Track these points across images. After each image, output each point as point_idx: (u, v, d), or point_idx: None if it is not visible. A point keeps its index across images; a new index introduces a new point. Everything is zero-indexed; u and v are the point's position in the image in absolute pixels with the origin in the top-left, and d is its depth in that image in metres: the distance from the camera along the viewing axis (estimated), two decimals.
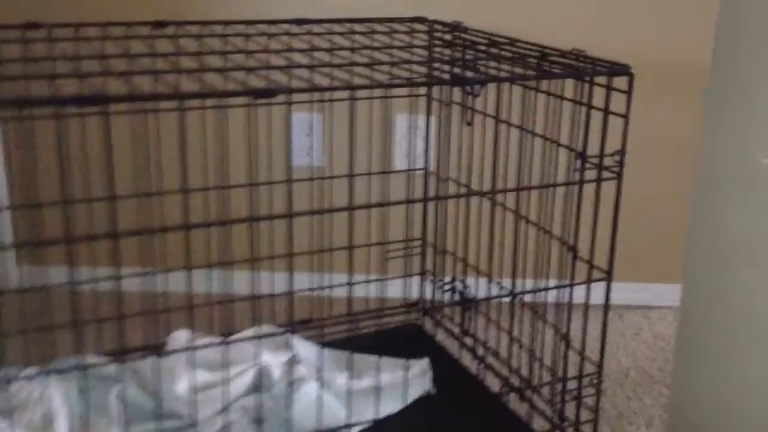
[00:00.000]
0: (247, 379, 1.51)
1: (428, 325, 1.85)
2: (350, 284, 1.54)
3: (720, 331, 1.25)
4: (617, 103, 1.24)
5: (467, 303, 1.74)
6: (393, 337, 1.81)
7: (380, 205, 1.71)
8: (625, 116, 1.23)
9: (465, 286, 1.74)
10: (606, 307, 1.35)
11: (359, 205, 1.35)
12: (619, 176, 1.25)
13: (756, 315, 1.16)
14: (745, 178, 1.15)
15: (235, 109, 1.29)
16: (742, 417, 1.20)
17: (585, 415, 1.43)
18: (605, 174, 1.25)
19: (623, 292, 2.29)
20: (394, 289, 1.83)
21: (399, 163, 2.11)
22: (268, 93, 1.06)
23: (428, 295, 1.87)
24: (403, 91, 1.77)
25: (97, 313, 1.53)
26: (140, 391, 1.49)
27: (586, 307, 1.33)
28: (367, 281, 1.80)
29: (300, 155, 2.14)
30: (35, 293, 1.50)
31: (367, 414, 1.48)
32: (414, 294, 1.87)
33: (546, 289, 1.39)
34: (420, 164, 1.83)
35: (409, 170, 1.83)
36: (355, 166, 1.61)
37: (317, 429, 1.44)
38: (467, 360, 1.70)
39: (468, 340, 1.73)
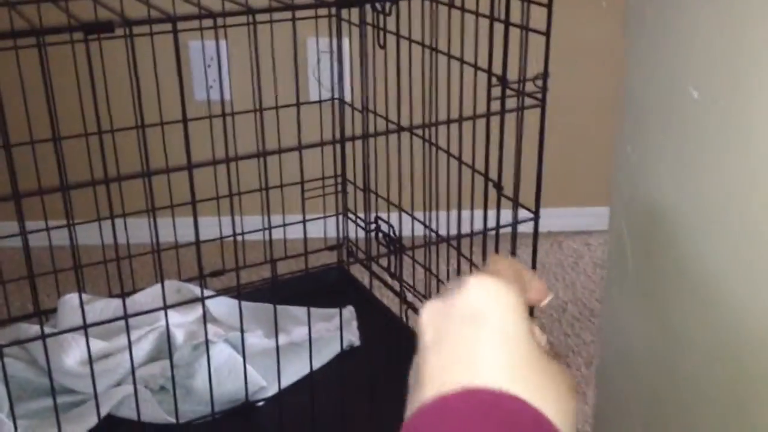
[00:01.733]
0: (147, 344, 1.36)
1: (352, 268, 1.72)
2: (267, 228, 1.39)
3: (645, 255, 1.13)
4: (538, 19, 1.08)
5: (393, 243, 1.61)
6: (315, 281, 1.67)
7: (293, 149, 1.55)
8: (546, 34, 1.07)
9: (389, 226, 1.61)
10: (534, 250, 1.22)
11: (270, 151, 1.19)
12: (542, 103, 1.10)
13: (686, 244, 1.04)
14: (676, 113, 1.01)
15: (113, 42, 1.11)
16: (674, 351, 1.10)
17: None
18: (528, 101, 1.10)
19: (562, 218, 2.19)
20: (315, 231, 1.68)
21: (313, 93, 1.94)
22: (104, 27, 0.88)
23: (351, 236, 1.73)
24: (310, 12, 1.59)
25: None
26: (29, 367, 1.35)
27: (513, 252, 1.20)
28: (284, 225, 1.66)
29: (200, 89, 1.95)
30: None
31: (286, 375, 1.35)
32: (334, 235, 1.74)
33: (471, 234, 1.25)
34: (332, 93, 1.66)
35: (321, 101, 1.66)
36: (264, 100, 1.44)
37: (231, 395, 1.32)
38: (392, 303, 1.58)
39: (394, 283, 1.60)
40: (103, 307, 1.47)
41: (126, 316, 1.16)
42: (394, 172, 1.52)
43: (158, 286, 1.50)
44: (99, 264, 1.53)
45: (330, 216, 1.72)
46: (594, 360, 1.62)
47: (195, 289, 1.52)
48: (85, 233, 1.49)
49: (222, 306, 1.51)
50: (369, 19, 1.52)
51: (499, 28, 1.12)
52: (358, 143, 1.61)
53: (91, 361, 1.16)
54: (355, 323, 1.50)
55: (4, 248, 1.40)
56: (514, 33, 1.12)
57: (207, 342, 1.27)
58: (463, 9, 1.18)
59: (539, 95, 1.09)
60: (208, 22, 1.04)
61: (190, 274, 1.56)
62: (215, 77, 1.93)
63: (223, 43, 1.87)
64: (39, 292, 1.13)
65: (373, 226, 1.65)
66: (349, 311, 1.51)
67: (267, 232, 1.25)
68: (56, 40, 1.31)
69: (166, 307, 1.19)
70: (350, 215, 1.72)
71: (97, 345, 1.35)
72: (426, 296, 1.54)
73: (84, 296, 1.46)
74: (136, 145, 1.19)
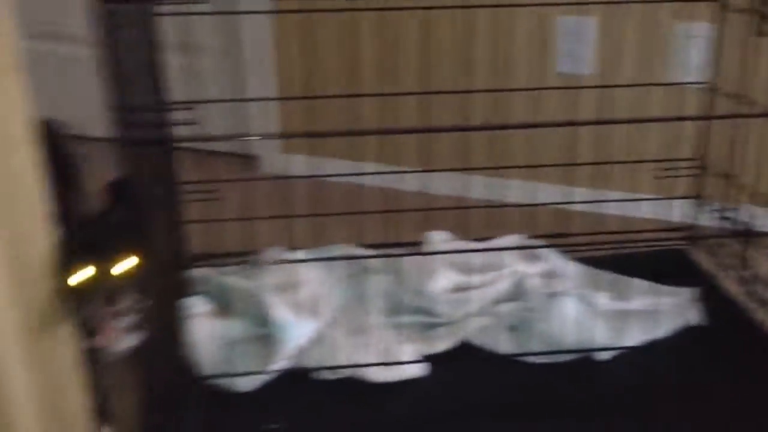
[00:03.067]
0: (505, 285, 1.49)
1: (695, 253, 1.72)
2: (601, 201, 1.46)
3: None
4: None
5: (743, 233, 1.60)
6: (655, 261, 1.70)
7: (657, 120, 1.59)
8: None
9: (743, 216, 1.59)
10: None
11: (640, 119, 1.24)
12: None
13: None
14: None
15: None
16: None
17: None
18: None
19: None
20: (656, 210, 1.71)
21: (673, 75, 1.95)
22: None
23: (698, 221, 1.74)
24: None
25: (356, 207, 1.57)
26: (399, 286, 1.52)
27: None
28: (625, 200, 1.70)
29: (565, 62, 2.03)
30: (289, 181, 1.55)
31: (628, 338, 1.41)
32: (679, 218, 1.75)
33: None
34: (697, 78, 1.66)
35: (688, 83, 1.68)
36: (624, 77, 1.49)
37: (576, 346, 1.40)
38: (738, 294, 1.57)
39: (744, 273, 1.59)
40: (462, 247, 1.62)
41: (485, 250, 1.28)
42: (753, 160, 1.50)
43: (509, 237, 1.63)
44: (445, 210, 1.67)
45: (678, 198, 1.73)
46: None
47: (541, 248, 1.63)
48: (438, 182, 1.64)
49: (566, 266, 1.60)
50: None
51: None
52: (723, 130, 1.61)
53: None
54: (699, 304, 1.52)
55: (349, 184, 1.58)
56: None
57: (561, 293, 1.37)
58: None
59: None
60: None
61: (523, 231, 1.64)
62: (578, 52, 2.00)
63: (591, 20, 1.93)
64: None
65: (725, 213, 1.64)
66: (693, 291, 1.53)
67: (608, 205, 1.31)
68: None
69: (539, 247, 1.29)
70: (700, 200, 1.72)
71: (459, 278, 1.50)
72: None
73: (446, 235, 1.63)
74: (491, 111, 1.29)
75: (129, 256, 1.04)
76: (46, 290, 1.00)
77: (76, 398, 1.14)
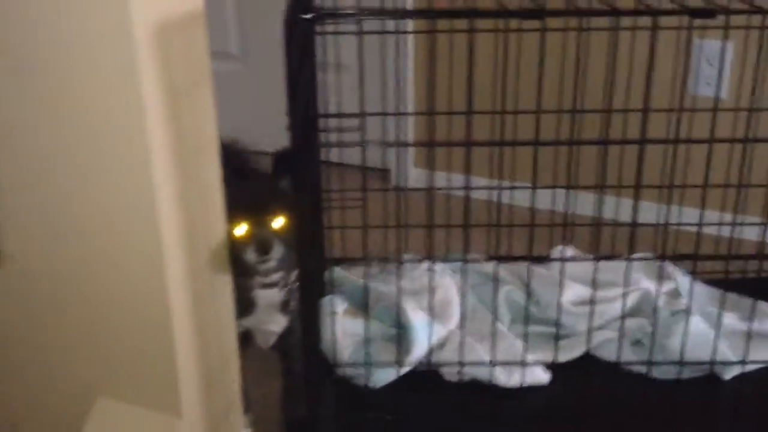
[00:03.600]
0: (631, 301, 1.53)
1: None
2: (734, 224, 1.47)
3: None
4: None
5: None
6: None
7: None
8: None
9: None
10: None
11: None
12: None
13: None
14: None
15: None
16: None
17: None
18: None
19: None
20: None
21: None
22: (708, 13, 1.03)
23: None
24: None
25: (482, 220, 1.64)
26: (525, 296, 1.59)
27: None
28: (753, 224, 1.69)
29: (701, 84, 2.04)
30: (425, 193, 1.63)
31: (753, 358, 1.42)
32: None
33: None
34: None
35: None
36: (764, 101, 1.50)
37: (700, 365, 1.42)
38: None
39: None
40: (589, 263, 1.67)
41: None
42: None
43: (638, 255, 1.66)
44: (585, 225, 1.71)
45: None
46: None
47: (666, 266, 1.65)
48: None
49: (692, 286, 1.61)
50: None
51: None
52: None
53: (591, 300, 1.36)
54: None
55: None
56: None
57: (688, 310, 1.40)
58: None
59: None
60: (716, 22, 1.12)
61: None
62: (713, 75, 2.02)
63: (728, 43, 1.94)
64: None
65: None
66: None
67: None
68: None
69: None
70: None
71: (586, 292, 1.55)
72: None
73: (573, 251, 1.68)
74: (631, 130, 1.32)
75: (282, 215, 1.26)
76: (212, 240, 1.20)
77: (227, 336, 1.33)
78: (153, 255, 1.14)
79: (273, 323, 1.40)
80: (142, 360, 1.25)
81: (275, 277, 1.34)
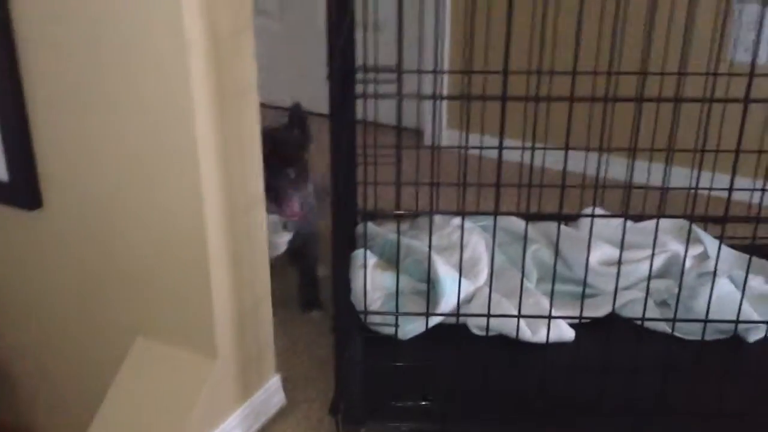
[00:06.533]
0: (658, 262, 1.54)
1: None
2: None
3: None
4: None
5: None
6: None
7: None
8: None
9: None
10: None
11: None
12: None
13: None
14: None
15: None
16: None
17: None
18: None
19: None
20: None
21: None
22: None
23: None
24: None
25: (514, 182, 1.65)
26: (552, 255, 1.61)
27: None
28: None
29: (739, 51, 2.03)
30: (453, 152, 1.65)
31: None
32: None
33: None
34: None
35: None
36: None
37: (725, 327, 1.44)
38: None
39: None
40: (618, 224, 1.68)
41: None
42: None
43: (665, 219, 1.67)
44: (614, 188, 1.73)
45: None
46: None
47: (696, 230, 1.66)
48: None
49: (721, 250, 1.62)
50: None
51: None
52: None
53: (619, 262, 1.38)
54: None
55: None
56: None
57: (714, 272, 1.41)
58: None
59: None
60: None
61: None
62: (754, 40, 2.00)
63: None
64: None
65: None
66: None
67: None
68: None
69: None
70: None
71: (614, 252, 1.57)
72: None
73: (602, 211, 1.69)
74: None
75: (298, 154, 1.60)
76: (249, 184, 1.30)
77: (261, 280, 1.41)
78: (193, 198, 1.17)
79: (278, 237, 1.66)
80: (180, 302, 1.30)
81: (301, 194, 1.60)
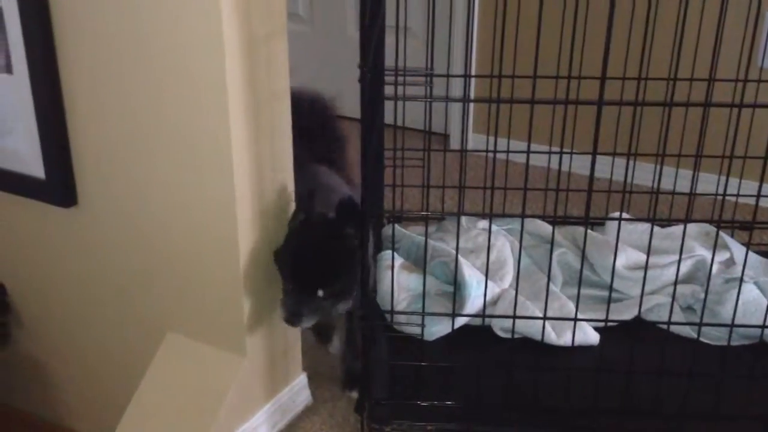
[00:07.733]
0: (684, 267, 1.54)
1: None
2: None
3: None
4: None
5: None
6: None
7: None
8: None
9: None
10: None
11: None
12: None
13: None
14: None
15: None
16: None
17: None
18: None
19: None
20: None
21: None
22: None
23: None
24: None
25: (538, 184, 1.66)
26: (578, 258, 1.61)
27: None
28: None
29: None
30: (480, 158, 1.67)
31: None
32: None
33: None
34: None
35: None
36: None
37: (751, 333, 1.43)
38: None
39: None
40: (644, 229, 1.69)
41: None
42: None
43: (692, 224, 1.68)
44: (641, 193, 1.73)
45: None
46: None
47: (723, 236, 1.66)
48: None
49: (743, 254, 1.62)
50: None
51: None
52: None
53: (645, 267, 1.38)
54: None
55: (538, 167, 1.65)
56: None
57: (741, 278, 1.41)
58: None
59: None
60: None
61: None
62: None
63: None
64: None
65: None
66: None
67: None
68: None
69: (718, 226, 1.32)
70: None
71: (639, 257, 1.57)
72: None
73: (627, 215, 1.70)
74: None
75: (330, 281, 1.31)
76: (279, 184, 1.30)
77: None
78: (226, 196, 1.20)
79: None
80: (211, 299, 1.32)
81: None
